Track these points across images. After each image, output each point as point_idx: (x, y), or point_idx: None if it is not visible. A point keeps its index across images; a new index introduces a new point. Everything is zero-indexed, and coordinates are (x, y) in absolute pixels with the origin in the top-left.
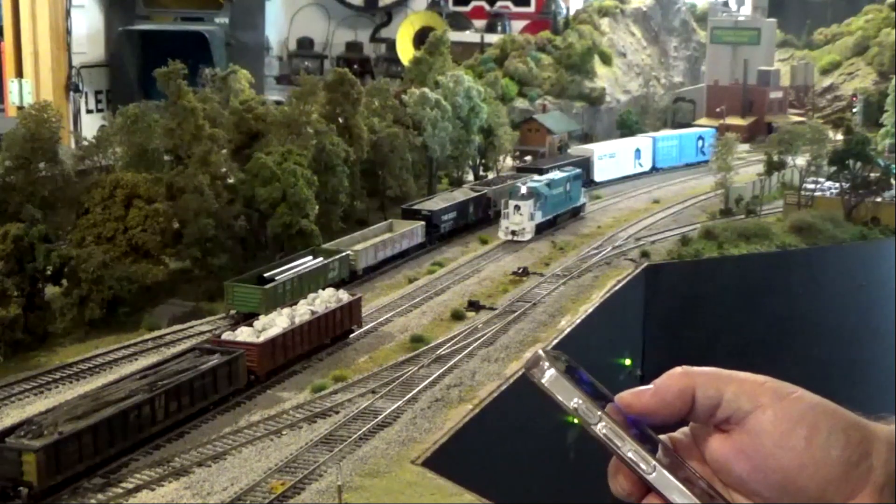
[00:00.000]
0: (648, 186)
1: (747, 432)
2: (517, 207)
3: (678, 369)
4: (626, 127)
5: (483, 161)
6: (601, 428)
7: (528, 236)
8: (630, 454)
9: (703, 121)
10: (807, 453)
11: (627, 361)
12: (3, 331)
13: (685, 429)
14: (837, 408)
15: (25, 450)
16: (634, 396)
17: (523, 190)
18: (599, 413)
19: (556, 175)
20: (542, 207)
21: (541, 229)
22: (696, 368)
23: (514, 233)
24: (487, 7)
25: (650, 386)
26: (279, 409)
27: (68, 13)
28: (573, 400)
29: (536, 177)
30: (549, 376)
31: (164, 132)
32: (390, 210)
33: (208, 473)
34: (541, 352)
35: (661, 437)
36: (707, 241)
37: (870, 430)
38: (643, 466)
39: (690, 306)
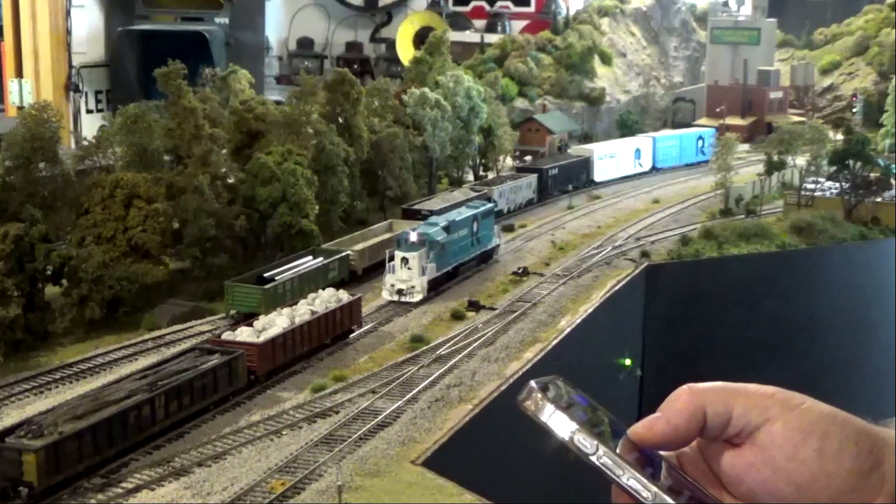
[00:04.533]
0: (648, 186)
1: (758, 445)
2: (405, 260)
3: (684, 389)
4: (626, 127)
5: (483, 161)
6: (599, 457)
7: (417, 297)
8: (630, 482)
9: (703, 121)
10: (818, 465)
11: (627, 361)
12: (3, 331)
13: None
14: (847, 416)
15: (25, 450)
16: (647, 429)
17: (413, 237)
18: (596, 442)
19: (457, 215)
20: (437, 258)
21: (437, 284)
22: (701, 385)
23: (400, 292)
24: (487, 7)
25: (659, 414)
26: (279, 409)
27: (68, 13)
28: (568, 431)
29: (433, 218)
30: (541, 408)
31: (164, 132)
32: (390, 210)
33: (208, 473)
34: (532, 383)
35: (667, 453)
36: (707, 241)
37: (881, 438)
38: (644, 494)
39: (690, 306)
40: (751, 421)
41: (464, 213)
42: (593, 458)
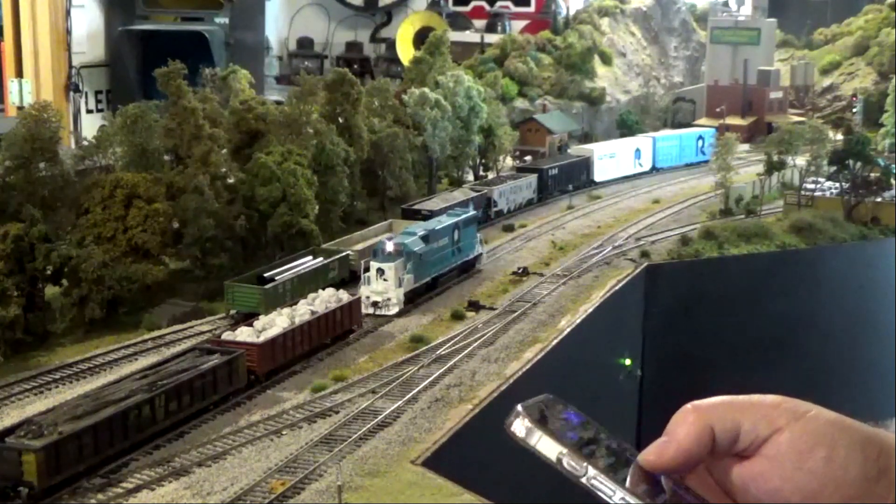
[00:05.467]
0: (648, 186)
1: (765, 456)
2: (380, 271)
3: (688, 409)
4: (626, 127)
5: (483, 161)
6: (588, 479)
7: (394, 309)
8: (621, 502)
9: (703, 121)
10: (827, 473)
11: (627, 361)
12: (3, 331)
13: None
14: (853, 422)
15: (25, 450)
16: (657, 455)
17: (389, 247)
18: (585, 464)
19: (437, 224)
20: (414, 269)
21: (415, 296)
22: (706, 403)
23: (375, 304)
24: (487, 7)
25: (667, 438)
26: (279, 409)
27: (68, 13)
28: (556, 454)
29: (410, 227)
30: (527, 433)
31: (164, 132)
32: (390, 210)
33: (208, 473)
34: (519, 407)
35: None
36: (707, 241)
37: (887, 444)
38: None
39: (690, 306)
40: (760, 434)
41: (444, 221)
42: (583, 480)
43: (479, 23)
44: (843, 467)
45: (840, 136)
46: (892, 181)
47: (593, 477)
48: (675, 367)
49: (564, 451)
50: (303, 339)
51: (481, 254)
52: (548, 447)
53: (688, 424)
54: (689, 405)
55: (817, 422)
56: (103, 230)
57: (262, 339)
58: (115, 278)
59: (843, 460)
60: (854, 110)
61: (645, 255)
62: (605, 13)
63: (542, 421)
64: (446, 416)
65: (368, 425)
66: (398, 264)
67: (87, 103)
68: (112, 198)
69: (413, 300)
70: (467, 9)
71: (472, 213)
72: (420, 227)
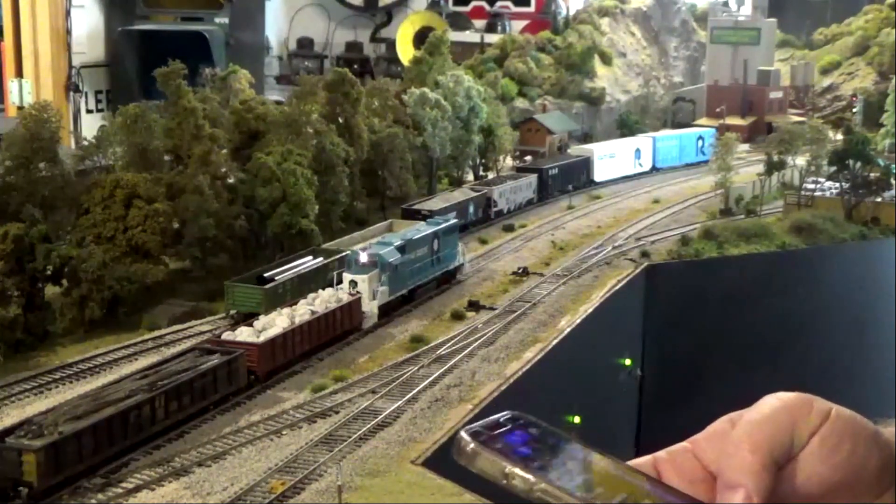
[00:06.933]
0: (648, 186)
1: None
2: (353, 283)
3: (740, 443)
4: (626, 127)
5: (483, 161)
6: (537, 492)
7: (367, 323)
8: None
9: (703, 121)
10: (850, 466)
11: (627, 361)
12: (3, 331)
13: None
14: (862, 417)
15: (25, 450)
16: None
17: (363, 258)
18: (533, 478)
19: (415, 233)
20: (390, 281)
21: (390, 309)
22: (752, 430)
23: None
24: (487, 7)
25: (741, 491)
26: (279, 409)
27: (68, 13)
28: (504, 470)
29: (387, 236)
30: (470, 456)
31: (164, 132)
32: (390, 210)
33: (208, 473)
34: (462, 433)
35: (640, 462)
36: (707, 241)
37: (887, 436)
38: None
39: (690, 306)
40: (803, 441)
41: (423, 230)
42: (530, 495)
43: (479, 23)
44: (865, 458)
45: (840, 136)
46: (892, 181)
47: (538, 491)
48: (675, 367)
49: (508, 468)
50: (303, 339)
51: (463, 264)
52: (494, 467)
53: (752, 466)
54: (737, 439)
55: (840, 418)
56: (103, 230)
57: (262, 339)
58: (115, 278)
59: (864, 452)
60: (854, 110)
61: (645, 255)
62: (605, 13)
63: (486, 442)
64: (446, 416)
65: (368, 425)
66: (372, 276)
67: (87, 103)
68: (112, 198)
69: (388, 313)
70: (467, 9)
71: (453, 221)
72: (396, 237)
